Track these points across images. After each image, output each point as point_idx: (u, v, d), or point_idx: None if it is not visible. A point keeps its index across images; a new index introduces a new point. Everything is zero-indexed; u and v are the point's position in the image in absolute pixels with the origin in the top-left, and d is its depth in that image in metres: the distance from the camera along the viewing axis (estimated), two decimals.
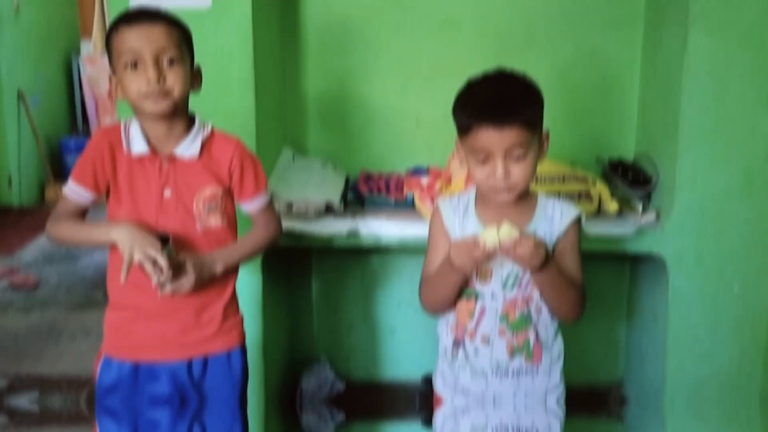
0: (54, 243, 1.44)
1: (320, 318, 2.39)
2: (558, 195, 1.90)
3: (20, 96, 4.79)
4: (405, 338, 2.37)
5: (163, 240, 1.34)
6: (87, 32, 5.52)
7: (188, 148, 1.39)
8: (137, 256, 1.29)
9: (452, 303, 1.40)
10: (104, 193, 1.41)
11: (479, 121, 1.25)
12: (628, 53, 2.13)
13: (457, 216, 1.39)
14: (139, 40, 1.31)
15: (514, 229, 1.23)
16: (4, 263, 3.72)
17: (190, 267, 1.36)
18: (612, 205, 1.95)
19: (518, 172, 1.26)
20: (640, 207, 1.94)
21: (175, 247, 1.36)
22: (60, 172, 5.10)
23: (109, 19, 1.82)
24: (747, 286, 1.90)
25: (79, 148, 4.99)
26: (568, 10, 2.12)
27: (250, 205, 1.50)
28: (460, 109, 1.31)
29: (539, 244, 1.25)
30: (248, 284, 1.91)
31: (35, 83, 5.04)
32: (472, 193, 1.42)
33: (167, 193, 1.38)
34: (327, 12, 2.15)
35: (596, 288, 2.28)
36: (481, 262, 1.29)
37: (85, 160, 1.39)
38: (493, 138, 1.24)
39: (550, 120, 2.12)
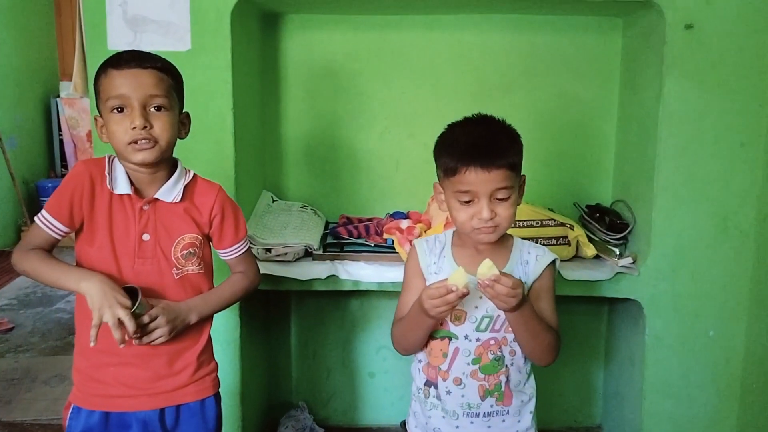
0: (20, 272, 1.36)
1: (299, 362, 2.36)
2: (536, 240, 1.93)
3: None
4: (384, 383, 2.34)
5: (133, 294, 1.27)
6: (66, 74, 5.52)
7: (170, 192, 1.36)
8: (106, 318, 1.23)
9: (423, 344, 1.39)
10: (77, 228, 1.35)
11: (466, 163, 1.26)
12: (605, 99, 2.17)
13: (433, 256, 1.39)
14: (127, 85, 1.28)
15: (494, 266, 1.23)
16: None
17: (163, 320, 1.31)
18: (590, 250, 1.96)
19: (503, 212, 1.28)
20: (617, 252, 1.96)
21: (146, 300, 1.30)
22: (37, 214, 5.02)
23: (89, 62, 1.83)
24: (722, 330, 1.91)
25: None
26: (545, 57, 2.16)
27: (229, 253, 1.47)
28: (444, 151, 1.33)
29: (518, 283, 1.25)
30: (226, 328, 1.88)
31: (13, 125, 5.01)
32: (448, 234, 1.42)
33: (146, 237, 1.34)
34: (308, 56, 2.17)
35: (574, 331, 2.29)
36: (455, 305, 1.28)
37: (63, 193, 1.32)
38: (480, 179, 1.26)
39: (528, 165, 2.14)
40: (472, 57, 2.16)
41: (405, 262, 1.47)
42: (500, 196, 1.27)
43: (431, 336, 1.38)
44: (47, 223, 1.34)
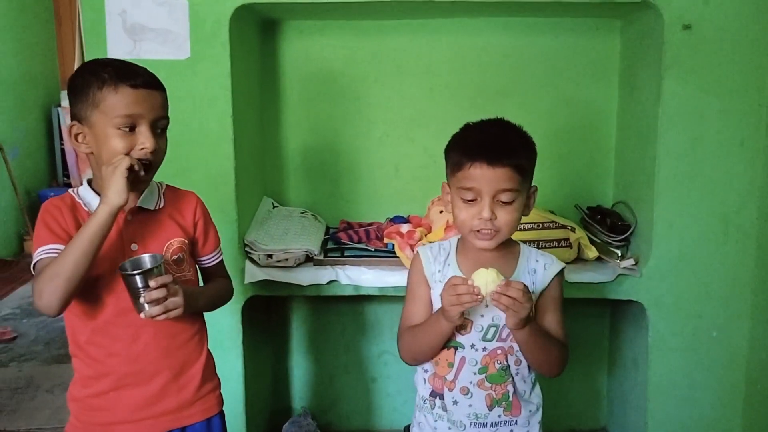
0: (52, 299, 1.18)
1: (301, 368, 2.35)
2: (538, 242, 1.93)
3: None
4: (386, 388, 2.34)
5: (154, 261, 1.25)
6: (67, 82, 5.54)
7: (150, 199, 1.35)
8: (120, 164, 1.18)
9: (435, 354, 1.36)
10: None
11: (472, 157, 1.25)
12: (605, 101, 2.17)
13: (438, 264, 1.37)
14: (141, 105, 1.24)
15: (500, 275, 1.21)
16: None
17: (177, 286, 1.24)
18: (591, 252, 1.96)
19: (504, 216, 1.26)
20: (619, 253, 1.95)
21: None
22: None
23: None
24: (725, 330, 1.90)
25: None
26: (544, 59, 2.16)
27: (211, 258, 1.46)
28: (454, 147, 1.32)
29: (528, 292, 1.23)
30: (229, 335, 1.88)
31: (15, 135, 5.02)
32: (453, 241, 1.40)
33: (134, 246, 1.31)
34: (306, 62, 2.17)
35: (577, 334, 2.28)
36: (468, 308, 1.25)
37: (49, 224, 1.26)
38: (485, 176, 1.24)
39: None
40: (470, 61, 2.16)
41: (409, 269, 1.44)
42: (504, 198, 1.25)
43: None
44: (52, 251, 1.24)
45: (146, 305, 1.21)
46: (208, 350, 1.45)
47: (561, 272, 1.38)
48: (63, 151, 5.52)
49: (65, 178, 5.60)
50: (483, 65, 2.17)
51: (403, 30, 2.14)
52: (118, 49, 1.79)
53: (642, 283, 1.89)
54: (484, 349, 1.33)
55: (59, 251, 1.22)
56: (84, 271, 1.19)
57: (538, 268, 1.36)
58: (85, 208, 1.30)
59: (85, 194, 1.32)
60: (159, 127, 1.29)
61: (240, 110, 1.88)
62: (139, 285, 1.21)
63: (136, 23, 1.78)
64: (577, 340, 2.29)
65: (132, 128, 1.25)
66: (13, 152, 4.95)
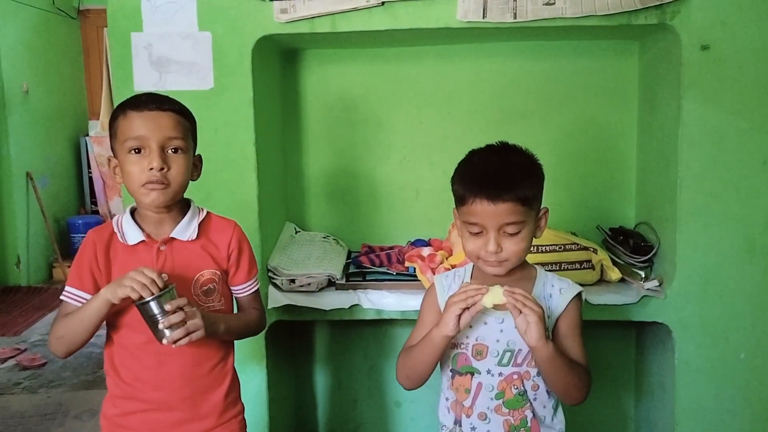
0: (58, 352, 1.33)
1: (325, 393, 2.36)
2: (560, 264, 1.92)
3: (29, 177, 4.89)
4: (410, 412, 2.33)
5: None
6: (95, 113, 5.69)
7: (185, 231, 1.37)
8: (133, 282, 1.21)
9: (426, 372, 1.34)
10: None
11: (474, 193, 1.26)
12: (624, 122, 2.16)
13: (452, 292, 1.36)
14: (146, 127, 1.29)
15: (501, 288, 1.23)
16: (12, 343, 3.73)
17: (197, 313, 1.27)
18: (614, 274, 1.95)
19: (511, 247, 1.26)
20: (642, 275, 1.93)
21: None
22: (68, 251, 5.15)
23: (116, 102, 1.89)
24: (754, 351, 1.86)
25: (88, 227, 5.09)
26: (563, 82, 2.17)
27: (243, 289, 1.47)
28: (457, 179, 1.33)
29: (535, 300, 1.23)
30: (252, 360, 1.90)
31: (44, 164, 5.15)
32: (468, 268, 1.42)
33: (164, 276, 1.32)
34: (326, 89, 2.21)
35: (602, 357, 2.26)
36: (465, 315, 1.25)
37: (81, 264, 1.34)
38: (487, 211, 1.25)
39: (549, 190, 2.14)
40: (488, 85, 2.18)
41: (423, 296, 1.45)
42: (509, 231, 1.25)
43: (458, 372, 1.36)
44: (74, 297, 1.34)
45: (166, 331, 1.24)
46: (234, 376, 1.47)
47: (579, 296, 1.36)
48: (91, 179, 5.64)
49: (93, 206, 5.72)
50: (502, 89, 2.19)
51: (421, 56, 2.17)
52: (144, 81, 1.84)
53: (667, 304, 1.87)
54: (500, 374, 1.32)
55: (78, 299, 1.32)
56: (88, 337, 1.31)
57: (554, 293, 1.35)
58: (121, 241, 1.35)
59: (125, 225, 1.36)
60: (170, 147, 1.31)
61: (262, 138, 1.91)
62: (155, 312, 1.23)
63: (162, 56, 1.83)
64: (602, 363, 2.27)
65: (139, 151, 1.29)
66: (43, 181, 5.07)
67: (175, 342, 1.24)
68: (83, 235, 4.85)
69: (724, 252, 1.84)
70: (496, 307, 1.24)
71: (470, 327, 1.34)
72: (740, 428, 1.89)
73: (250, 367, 1.90)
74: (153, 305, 1.23)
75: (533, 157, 1.34)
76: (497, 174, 1.26)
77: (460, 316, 1.25)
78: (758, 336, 1.86)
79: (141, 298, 1.23)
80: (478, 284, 1.25)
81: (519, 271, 1.33)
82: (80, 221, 5.29)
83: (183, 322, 1.24)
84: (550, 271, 1.89)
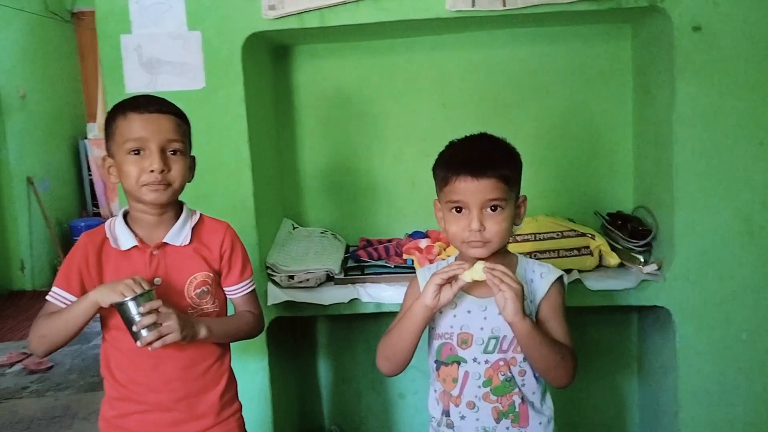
0: (38, 351, 1.34)
1: (329, 387, 2.36)
2: (557, 251, 1.92)
3: (30, 181, 4.90)
4: (415, 403, 2.33)
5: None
6: (92, 116, 5.69)
7: (178, 235, 1.38)
8: (116, 296, 1.23)
9: (406, 352, 1.35)
10: None
11: (457, 171, 1.28)
12: (619, 106, 2.15)
13: None
14: (148, 129, 1.30)
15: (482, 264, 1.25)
16: (19, 347, 3.75)
17: (173, 316, 1.27)
18: (613, 259, 1.94)
19: (493, 226, 1.28)
20: (641, 259, 1.93)
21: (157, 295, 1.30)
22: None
23: (109, 104, 1.89)
24: (755, 332, 1.86)
25: (90, 229, 5.09)
26: (555, 68, 2.16)
27: (236, 291, 1.48)
28: (440, 164, 1.36)
29: (518, 286, 1.24)
30: (254, 357, 1.91)
31: (44, 168, 5.16)
32: (450, 260, 1.43)
33: (158, 281, 1.36)
34: (319, 84, 2.21)
35: (604, 342, 2.26)
36: (447, 290, 1.27)
37: (70, 266, 1.35)
38: (470, 188, 1.27)
39: (546, 176, 2.18)
40: (481, 74, 2.18)
41: (405, 291, 1.46)
42: (491, 206, 1.28)
43: (443, 362, 1.37)
44: (60, 298, 1.34)
45: (142, 332, 1.25)
46: (231, 375, 1.48)
47: (560, 280, 1.38)
48: (91, 181, 5.66)
49: (95, 208, 5.74)
50: (494, 77, 2.18)
51: (413, 47, 2.16)
52: (135, 82, 1.84)
53: (666, 288, 1.87)
54: (487, 361, 1.34)
55: (63, 301, 1.33)
56: (70, 337, 1.31)
57: (535, 278, 1.37)
58: (113, 246, 1.36)
59: (118, 230, 1.37)
60: (170, 149, 1.33)
61: (256, 136, 1.91)
62: (132, 314, 1.25)
63: (152, 57, 1.83)
64: (604, 348, 2.27)
65: (138, 152, 1.31)
66: (43, 185, 5.09)
67: (149, 344, 1.25)
68: None
69: (723, 233, 1.84)
70: (477, 285, 1.27)
71: (454, 317, 1.35)
72: (744, 409, 1.89)
73: (253, 365, 1.91)
74: (128, 306, 1.25)
75: (510, 145, 1.38)
76: (480, 154, 1.31)
77: (441, 287, 1.27)
78: (759, 316, 1.86)
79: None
80: (462, 261, 1.27)
81: (501, 259, 1.34)
82: (82, 224, 5.31)
83: (157, 325, 1.25)
84: (548, 259, 1.92)
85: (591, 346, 2.27)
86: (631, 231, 2.00)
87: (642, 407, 2.25)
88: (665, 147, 1.88)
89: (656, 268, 1.89)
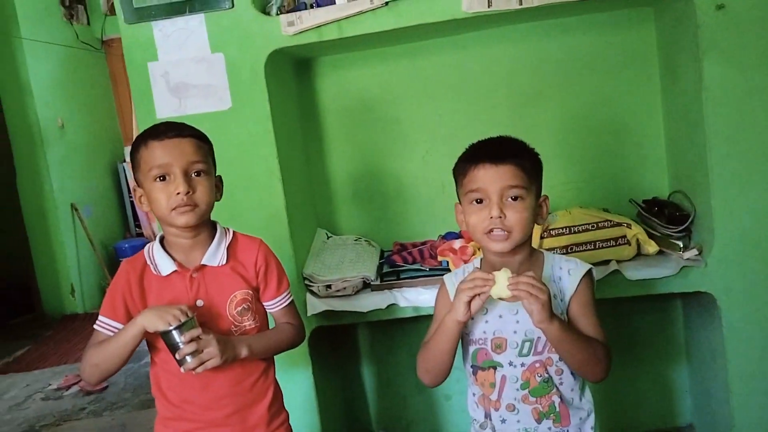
0: (92, 379, 1.39)
1: (374, 392, 2.38)
2: (594, 243, 1.90)
3: (73, 208, 5.05)
4: (461, 404, 2.31)
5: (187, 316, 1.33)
6: (128, 139, 5.84)
7: (214, 256, 1.42)
8: (162, 324, 1.29)
9: (445, 365, 1.36)
10: None
11: (477, 160, 1.30)
12: (646, 91, 2.12)
13: None
14: (169, 154, 1.34)
15: (507, 272, 1.24)
16: (75, 369, 3.86)
17: (213, 341, 1.32)
18: (651, 247, 1.92)
19: (513, 215, 1.28)
20: (680, 245, 1.90)
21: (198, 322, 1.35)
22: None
23: (141, 130, 1.94)
24: None
25: (134, 250, 5.23)
26: (580, 58, 2.14)
27: (274, 305, 1.51)
28: (459, 162, 1.38)
29: (538, 279, 1.24)
30: (298, 368, 1.93)
31: (86, 194, 5.31)
32: (476, 263, 1.43)
33: (199, 302, 1.40)
34: (343, 93, 2.23)
35: (649, 331, 2.23)
36: (476, 301, 1.26)
37: (114, 294, 1.40)
38: (489, 174, 1.28)
39: (578, 167, 2.16)
40: (503, 69, 2.17)
41: (435, 298, 1.47)
42: (512, 195, 1.28)
43: (479, 367, 1.37)
44: (107, 326, 1.39)
45: (185, 359, 1.31)
46: (276, 387, 1.52)
47: (589, 274, 1.37)
48: (132, 203, 5.80)
49: (137, 228, 5.87)
50: (517, 72, 2.17)
51: (433, 48, 2.17)
52: (164, 107, 1.89)
53: (708, 272, 1.83)
54: (522, 364, 1.33)
55: (111, 329, 1.37)
56: (122, 364, 1.35)
57: (563, 275, 1.36)
58: (154, 272, 1.40)
59: (157, 256, 1.41)
60: (193, 171, 1.36)
61: (284, 149, 1.94)
62: (175, 341, 1.31)
63: (180, 82, 1.87)
64: (649, 337, 2.24)
65: (164, 178, 1.35)
66: (87, 211, 5.24)
67: (191, 370, 1.31)
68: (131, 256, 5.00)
69: (762, 213, 1.80)
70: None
71: (486, 322, 1.35)
72: None
73: (297, 375, 1.94)
74: (173, 335, 1.31)
75: (529, 145, 1.39)
76: (498, 143, 1.34)
77: (469, 302, 1.26)
78: None
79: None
80: (486, 273, 1.26)
81: (527, 257, 1.34)
82: (126, 245, 5.43)
83: (198, 351, 1.31)
84: (584, 251, 1.90)
85: (635, 336, 2.24)
86: (668, 217, 1.97)
87: (694, 395, 2.21)
88: (697, 129, 1.85)
89: (697, 253, 1.86)
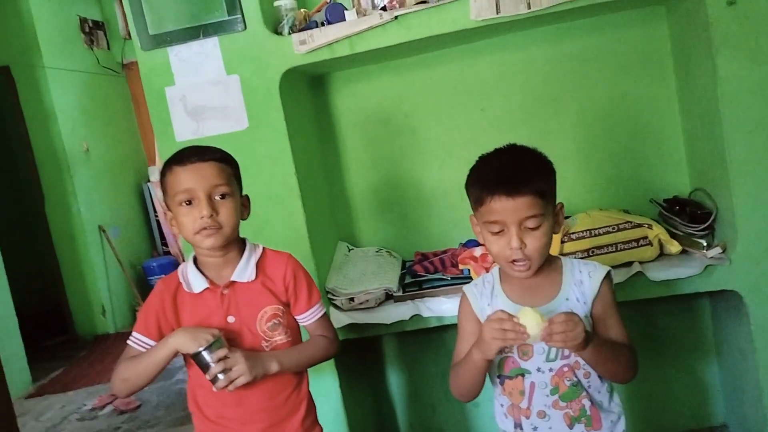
0: (121, 392, 1.44)
1: (402, 403, 2.39)
2: (615, 245, 1.90)
3: (101, 230, 5.14)
4: (490, 411, 2.28)
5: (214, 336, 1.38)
6: (152, 159, 5.92)
7: (244, 272, 1.45)
8: (193, 346, 1.34)
9: (477, 389, 1.37)
10: None
11: (491, 191, 1.26)
12: (662, 90, 2.11)
13: (485, 298, 1.38)
14: (192, 179, 1.38)
15: (544, 316, 1.21)
16: (108, 390, 3.92)
17: (241, 359, 1.36)
18: (674, 247, 1.90)
19: (533, 243, 1.26)
20: (704, 243, 1.88)
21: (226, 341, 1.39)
22: (147, 294, 5.35)
23: (160, 153, 1.98)
24: None
25: (162, 269, 5.32)
26: (593, 60, 2.14)
27: (305, 318, 1.53)
28: (473, 182, 1.34)
29: (572, 316, 1.22)
30: (326, 382, 1.95)
31: (113, 215, 5.39)
32: (495, 273, 1.42)
33: (231, 319, 1.43)
34: (358, 106, 2.25)
35: (677, 330, 2.21)
36: (508, 341, 1.25)
37: (148, 312, 1.45)
38: (506, 207, 1.25)
39: (596, 169, 2.15)
40: (516, 75, 2.17)
41: (458, 310, 1.46)
42: (530, 225, 1.26)
43: (507, 377, 1.37)
44: (139, 342, 1.44)
45: (216, 377, 1.35)
46: (310, 400, 1.54)
47: (608, 275, 1.36)
48: (158, 222, 5.87)
49: (164, 247, 5.95)
50: (531, 76, 2.17)
51: (445, 58, 2.19)
52: (184, 131, 1.92)
53: (733, 270, 1.81)
54: (551, 369, 1.32)
55: (143, 346, 1.42)
56: (150, 380, 1.40)
57: (584, 279, 1.35)
58: (186, 290, 1.45)
59: (190, 275, 1.45)
60: (216, 194, 1.39)
61: (303, 166, 1.97)
62: (205, 361, 1.36)
63: (197, 105, 1.91)
64: (678, 337, 2.21)
65: (189, 202, 1.39)
66: (114, 232, 5.32)
67: (222, 389, 1.36)
68: (159, 276, 5.06)
69: None
70: (530, 294, 1.28)
71: None
72: None
73: (326, 388, 1.95)
74: (202, 356, 1.36)
75: (542, 154, 1.35)
76: (513, 170, 1.28)
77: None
78: None
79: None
80: (512, 319, 1.23)
81: (546, 265, 1.33)
82: (154, 263, 5.51)
83: (227, 370, 1.35)
84: (606, 254, 1.89)
85: (664, 336, 2.22)
86: (690, 215, 1.95)
87: (726, 394, 2.18)
88: (714, 126, 1.83)
89: (721, 251, 1.84)
